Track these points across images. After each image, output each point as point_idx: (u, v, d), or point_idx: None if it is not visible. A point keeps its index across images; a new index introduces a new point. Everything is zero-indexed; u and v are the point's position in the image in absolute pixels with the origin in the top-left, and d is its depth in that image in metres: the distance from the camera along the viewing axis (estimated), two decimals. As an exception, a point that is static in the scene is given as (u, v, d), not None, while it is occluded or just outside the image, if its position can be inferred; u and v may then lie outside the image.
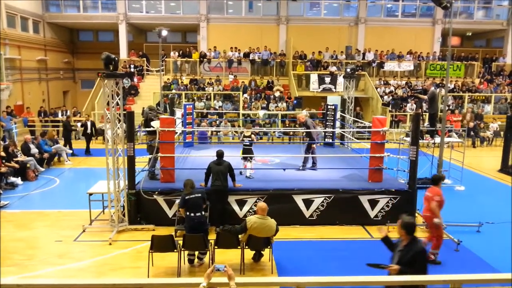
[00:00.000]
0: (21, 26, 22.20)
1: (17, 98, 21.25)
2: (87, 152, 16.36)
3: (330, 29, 25.18)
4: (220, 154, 8.72)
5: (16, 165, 12.29)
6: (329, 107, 14.24)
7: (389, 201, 9.19)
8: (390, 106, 21.18)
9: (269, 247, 7.12)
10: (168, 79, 22.44)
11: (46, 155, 13.88)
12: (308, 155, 10.53)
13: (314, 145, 10.46)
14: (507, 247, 7.95)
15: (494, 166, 14.56)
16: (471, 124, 19.22)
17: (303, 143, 15.31)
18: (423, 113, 17.17)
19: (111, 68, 8.25)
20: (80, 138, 20.14)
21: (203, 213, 7.34)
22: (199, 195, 7.38)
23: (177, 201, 8.69)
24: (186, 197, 7.33)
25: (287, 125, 19.46)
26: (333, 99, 20.52)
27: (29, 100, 22.17)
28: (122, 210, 8.91)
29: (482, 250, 7.91)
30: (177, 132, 12.34)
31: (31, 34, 23.20)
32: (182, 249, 6.94)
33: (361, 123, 15.28)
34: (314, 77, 22.34)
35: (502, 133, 17.64)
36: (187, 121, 13.59)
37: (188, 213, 7.26)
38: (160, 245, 6.87)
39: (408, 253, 4.72)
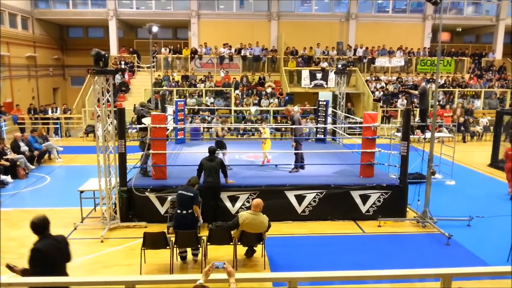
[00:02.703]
0: (10, 22, 21.91)
1: (6, 95, 21.02)
2: None
3: (321, 25, 25.20)
4: (212, 151, 8.72)
5: (6, 163, 12.17)
6: (320, 103, 14.26)
7: (381, 196, 9.25)
8: (381, 101, 21.28)
9: (261, 243, 7.14)
10: (159, 75, 22.32)
11: (36, 152, 13.76)
12: (298, 151, 10.37)
13: (294, 143, 10.33)
14: (497, 241, 8.05)
15: (484, 160, 14.70)
16: (462, 119, 19.38)
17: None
18: (414, 109, 17.30)
19: (101, 65, 8.19)
20: (70, 135, 20.04)
21: (190, 211, 7.19)
22: (192, 194, 7.24)
23: (169, 197, 8.70)
24: (179, 191, 7.33)
25: (279, 121, 19.45)
26: (324, 95, 20.57)
27: (19, 97, 21.94)
28: (113, 207, 8.87)
29: (473, 244, 8.00)
30: (168, 129, 12.30)
31: (20, 31, 22.92)
32: (175, 246, 6.94)
33: (353, 118, 15.35)
34: (305, 73, 22.35)
35: (492, 128, 17.81)
36: (178, 118, 13.54)
37: (176, 210, 7.25)
38: (152, 242, 6.85)
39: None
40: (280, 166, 10.56)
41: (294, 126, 10.29)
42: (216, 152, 9.59)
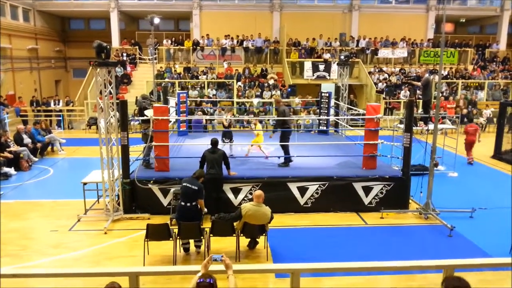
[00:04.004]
0: (11, 14, 21.85)
1: (8, 87, 21.02)
2: None
3: (324, 16, 25.02)
4: (214, 143, 8.71)
5: (10, 155, 12.21)
6: (323, 94, 14.22)
7: (383, 188, 9.24)
8: (384, 93, 21.18)
9: (264, 234, 7.16)
10: (161, 67, 22.27)
11: (39, 145, 13.79)
12: (287, 143, 10.03)
13: (272, 134, 10.10)
14: (499, 233, 8.05)
15: (487, 152, 14.64)
16: (465, 111, 19.29)
17: (297, 131, 15.32)
18: (417, 100, 17.21)
19: (103, 57, 8.17)
20: (73, 127, 20.05)
21: (193, 204, 7.16)
22: (196, 188, 7.20)
23: (172, 189, 8.72)
24: (183, 183, 7.31)
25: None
26: (327, 87, 20.48)
27: (21, 89, 21.94)
28: (117, 199, 8.90)
29: (475, 236, 7.99)
30: (171, 121, 12.28)
31: (21, 23, 22.86)
32: (178, 237, 6.96)
33: (355, 110, 15.29)
34: (308, 64, 22.26)
35: (495, 119, 17.73)
36: (181, 110, 13.53)
37: (180, 202, 7.26)
38: (155, 233, 6.87)
39: None
40: (271, 159, 10.48)
41: (279, 118, 10.13)
42: (224, 142, 9.60)
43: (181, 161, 9.86)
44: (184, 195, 7.21)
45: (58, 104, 20.16)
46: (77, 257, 7.24)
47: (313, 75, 22.13)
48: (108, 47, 8.26)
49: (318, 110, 14.93)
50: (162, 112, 9.34)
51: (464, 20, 26.45)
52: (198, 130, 14.71)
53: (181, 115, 13.41)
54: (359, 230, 8.48)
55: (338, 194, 9.17)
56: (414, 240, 7.97)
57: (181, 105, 13.54)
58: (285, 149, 10.05)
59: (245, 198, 8.99)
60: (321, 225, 8.60)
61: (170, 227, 7.02)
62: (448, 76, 22.80)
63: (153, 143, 9.32)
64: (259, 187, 8.87)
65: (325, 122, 14.16)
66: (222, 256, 3.73)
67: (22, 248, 7.53)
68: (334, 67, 20.70)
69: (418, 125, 13.41)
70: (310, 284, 5.89)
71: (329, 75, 21.96)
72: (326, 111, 14.01)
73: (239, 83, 21.20)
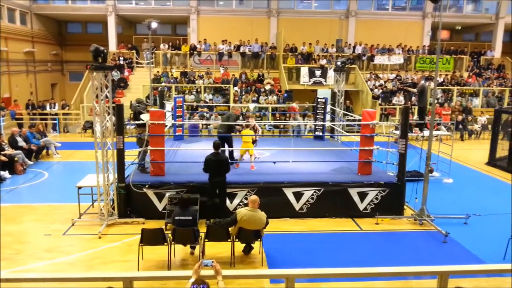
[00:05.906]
0: (8, 17, 21.83)
1: (4, 90, 20.96)
2: None
3: (321, 22, 25.15)
4: (217, 146, 8.51)
5: (4, 158, 12.15)
6: (319, 100, 14.27)
7: (378, 194, 9.26)
8: (380, 99, 21.27)
9: (259, 239, 7.15)
10: (158, 71, 22.27)
11: (34, 146, 13.72)
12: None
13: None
14: (493, 239, 8.08)
15: (481, 159, 14.72)
16: (460, 118, 19.39)
17: (294, 136, 15.35)
18: (412, 106, 17.31)
19: (100, 61, 8.16)
20: (68, 131, 19.99)
21: (191, 217, 7.10)
22: (190, 218, 7.08)
23: (167, 194, 8.69)
24: (176, 217, 7.11)
25: (277, 118, 19.47)
26: (323, 92, 20.53)
27: (17, 92, 21.88)
28: (111, 203, 8.87)
29: (469, 242, 8.02)
30: (167, 125, 12.27)
31: (18, 26, 22.83)
32: (172, 242, 6.94)
33: (351, 116, 15.34)
34: (304, 70, 22.34)
35: (490, 126, 17.83)
36: (177, 114, 13.53)
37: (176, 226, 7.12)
38: (150, 238, 6.86)
39: None
40: (278, 163, 10.47)
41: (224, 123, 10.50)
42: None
43: (177, 166, 9.85)
44: (182, 226, 7.04)
45: (54, 108, 20.10)
46: (71, 262, 7.20)
47: (310, 81, 22.21)
48: (105, 51, 8.26)
49: (314, 115, 14.99)
50: (158, 117, 9.34)
51: (459, 28, 26.68)
52: (194, 135, 14.69)
53: (177, 119, 13.40)
54: (354, 235, 8.48)
55: (333, 200, 9.18)
56: (408, 246, 7.99)
57: (177, 109, 13.54)
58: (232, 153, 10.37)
59: (241, 203, 8.98)
60: (316, 231, 8.60)
61: (165, 232, 7.00)
62: (444, 83, 22.94)
63: (149, 148, 9.31)
64: (255, 192, 8.87)
65: (321, 127, 14.20)
66: (212, 262, 3.74)
67: (16, 252, 7.48)
68: (331, 73, 20.79)
69: (414, 131, 13.49)
70: (304, 289, 5.88)
71: (325, 81, 22.04)
72: (322, 117, 14.04)
73: (236, 88, 21.23)
